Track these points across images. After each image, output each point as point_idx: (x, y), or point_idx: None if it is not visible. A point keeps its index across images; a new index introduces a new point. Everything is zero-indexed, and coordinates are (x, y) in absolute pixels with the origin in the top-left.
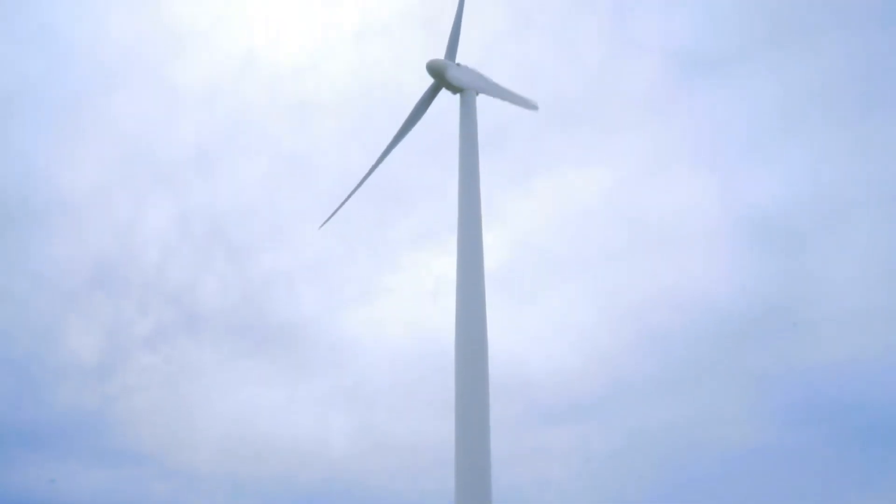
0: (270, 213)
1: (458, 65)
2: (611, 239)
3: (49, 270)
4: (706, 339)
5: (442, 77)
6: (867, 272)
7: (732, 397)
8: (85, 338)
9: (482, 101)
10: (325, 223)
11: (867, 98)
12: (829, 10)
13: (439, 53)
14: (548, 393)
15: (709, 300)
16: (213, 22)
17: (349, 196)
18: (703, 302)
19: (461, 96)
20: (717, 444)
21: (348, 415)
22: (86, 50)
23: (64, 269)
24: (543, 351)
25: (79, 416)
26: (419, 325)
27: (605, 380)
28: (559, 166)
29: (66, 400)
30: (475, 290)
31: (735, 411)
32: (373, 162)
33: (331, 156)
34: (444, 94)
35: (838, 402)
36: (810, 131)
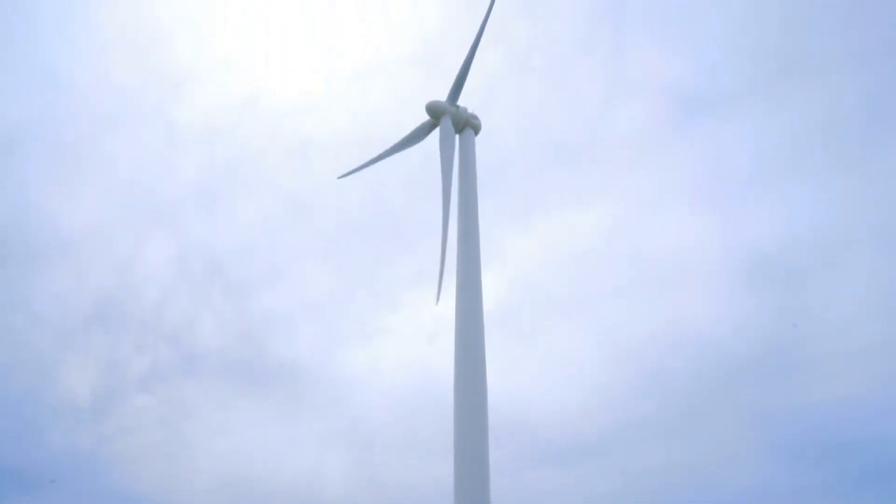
0: (269, 251)
1: (457, 107)
2: (610, 277)
3: (46, 308)
4: (706, 377)
5: (442, 115)
6: (867, 310)
7: (732, 436)
8: (81, 377)
9: (482, 140)
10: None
11: (866, 137)
12: (828, 50)
13: (438, 94)
14: (547, 433)
15: (708, 338)
16: (214, 64)
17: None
18: (703, 340)
19: (460, 136)
20: (716, 484)
21: (346, 454)
22: (88, 91)
23: (61, 307)
24: (543, 390)
25: (73, 457)
26: (418, 364)
27: (605, 419)
28: (559, 205)
29: (61, 440)
30: (474, 329)
31: (735, 450)
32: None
33: (330, 196)
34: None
35: (838, 440)
36: (809, 170)
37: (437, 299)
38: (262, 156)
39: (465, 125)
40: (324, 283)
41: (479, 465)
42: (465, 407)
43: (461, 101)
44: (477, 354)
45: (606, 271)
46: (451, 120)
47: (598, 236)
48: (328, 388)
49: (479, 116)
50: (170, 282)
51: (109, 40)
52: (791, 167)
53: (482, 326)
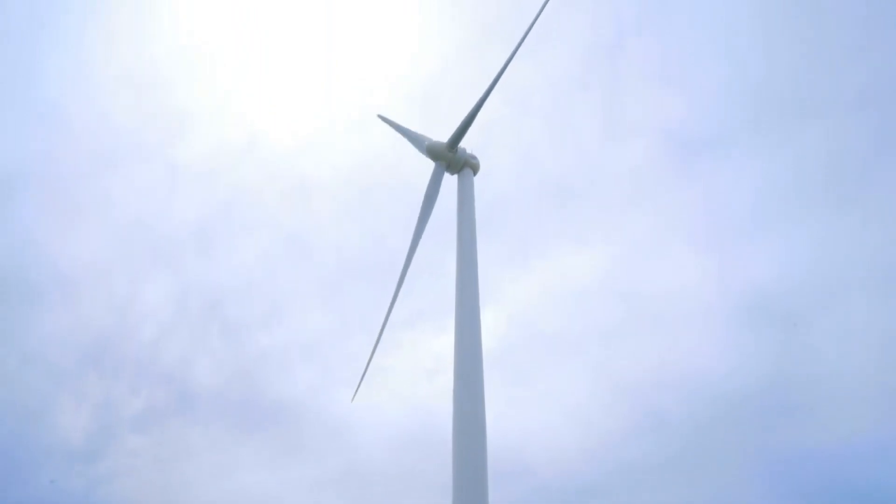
0: (268, 291)
1: (456, 150)
2: (609, 317)
3: (41, 347)
4: (705, 420)
5: (440, 157)
6: (867, 353)
7: (731, 477)
8: (73, 417)
9: (480, 179)
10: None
11: (866, 178)
12: (828, 91)
13: (437, 135)
14: (547, 475)
15: (707, 380)
16: (215, 104)
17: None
18: (702, 381)
19: (459, 176)
20: None
21: (343, 496)
22: (89, 129)
23: (56, 346)
24: (542, 430)
25: (65, 500)
26: (416, 405)
27: (605, 461)
28: (557, 244)
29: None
30: (473, 370)
31: (734, 490)
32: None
33: (329, 234)
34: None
35: (838, 482)
36: (808, 211)
37: (354, 397)
38: (261, 196)
39: (464, 165)
40: (322, 323)
41: None
42: (464, 447)
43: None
44: (476, 394)
45: (604, 311)
46: (446, 165)
47: (597, 276)
48: (326, 428)
49: (478, 156)
50: (167, 321)
51: (109, 80)
52: (790, 208)
53: (481, 366)
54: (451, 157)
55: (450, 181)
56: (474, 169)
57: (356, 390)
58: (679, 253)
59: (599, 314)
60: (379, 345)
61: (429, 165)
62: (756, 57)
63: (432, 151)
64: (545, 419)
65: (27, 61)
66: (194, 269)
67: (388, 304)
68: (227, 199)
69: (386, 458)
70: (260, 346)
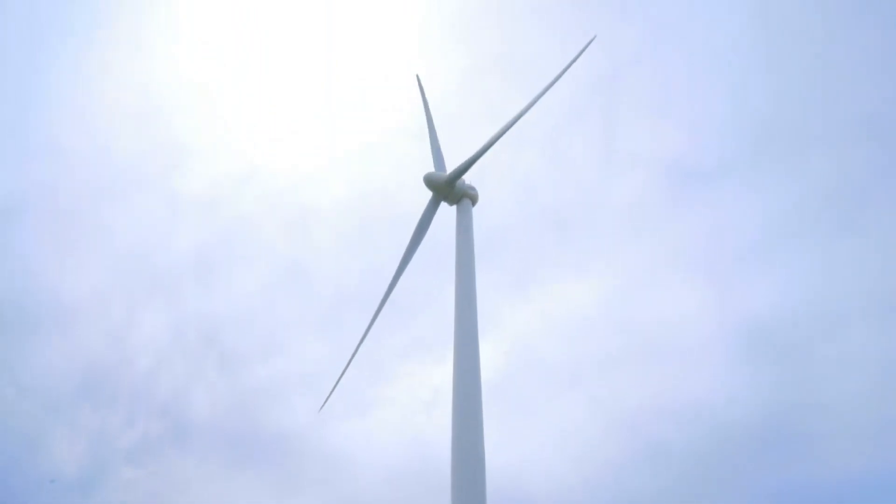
0: (266, 321)
1: (454, 184)
2: (608, 348)
3: (37, 378)
4: (704, 450)
5: (439, 189)
6: (866, 383)
7: None
8: (68, 449)
9: (479, 210)
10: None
11: (866, 209)
12: (826, 120)
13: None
14: None
15: (706, 410)
16: (215, 135)
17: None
18: (701, 412)
19: (458, 207)
20: None
21: None
22: (88, 160)
23: (52, 377)
24: (541, 461)
25: None
26: (415, 437)
27: (604, 491)
28: (556, 275)
29: None
30: (472, 401)
31: None
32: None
33: (328, 264)
34: (443, 206)
35: None
36: (807, 242)
37: (322, 407)
38: (261, 226)
39: (463, 196)
40: (320, 354)
41: None
42: (463, 479)
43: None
44: (475, 426)
45: (604, 341)
46: (444, 196)
47: (596, 306)
48: (324, 460)
49: (477, 186)
50: (164, 352)
51: (109, 111)
52: (789, 238)
53: (480, 397)
54: (449, 190)
55: (449, 211)
56: (473, 200)
57: (325, 401)
58: (678, 283)
59: (599, 344)
60: (355, 362)
61: (428, 195)
62: (754, 87)
63: (431, 183)
64: (544, 449)
65: (27, 91)
66: (193, 299)
67: (367, 324)
68: (226, 229)
69: (384, 489)
70: (258, 377)
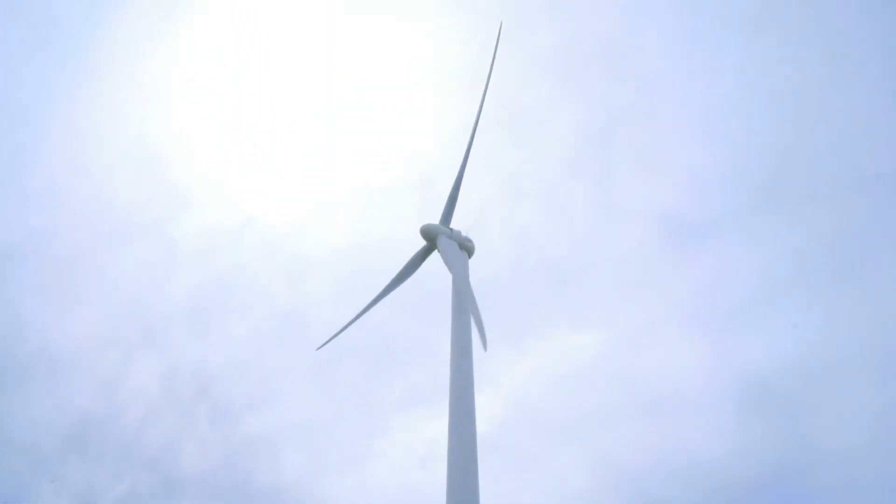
0: (260, 372)
1: (451, 229)
2: (604, 401)
3: (25, 431)
4: None
5: (434, 242)
6: (866, 437)
7: None
8: (54, 503)
9: (475, 263)
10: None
11: (864, 261)
12: (824, 173)
13: (433, 216)
14: None
15: (704, 465)
16: (213, 184)
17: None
18: (699, 467)
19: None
20: None
21: None
22: (86, 207)
23: (40, 429)
24: None
25: None
26: (409, 491)
27: None
28: (552, 327)
29: None
30: (467, 456)
31: None
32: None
33: (324, 312)
34: (437, 256)
35: None
36: (805, 295)
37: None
38: (258, 273)
39: (460, 248)
40: (315, 406)
41: None
42: None
43: (456, 225)
44: (470, 482)
45: (600, 394)
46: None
47: (592, 359)
48: None
49: (473, 240)
50: (154, 403)
51: (107, 158)
52: (787, 291)
53: (475, 451)
54: (449, 234)
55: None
56: (469, 252)
57: (323, 343)
58: (676, 336)
59: (595, 398)
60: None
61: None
62: (751, 140)
63: (428, 232)
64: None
65: (25, 138)
66: (186, 349)
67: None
68: (223, 277)
69: None
70: (249, 429)
